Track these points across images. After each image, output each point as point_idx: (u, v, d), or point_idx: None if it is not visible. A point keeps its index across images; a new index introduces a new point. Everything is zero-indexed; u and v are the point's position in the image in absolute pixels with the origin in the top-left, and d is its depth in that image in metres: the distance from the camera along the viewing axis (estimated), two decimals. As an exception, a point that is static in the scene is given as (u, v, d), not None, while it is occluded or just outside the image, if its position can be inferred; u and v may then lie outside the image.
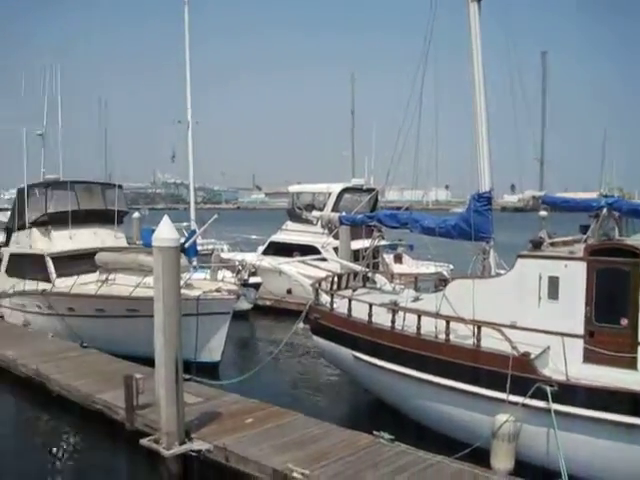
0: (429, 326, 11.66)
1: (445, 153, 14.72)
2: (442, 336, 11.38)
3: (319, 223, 27.21)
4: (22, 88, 30.75)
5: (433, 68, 12.92)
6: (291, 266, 21.28)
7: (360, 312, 13.14)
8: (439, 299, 12.16)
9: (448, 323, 11.33)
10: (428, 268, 26.18)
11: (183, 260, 14.82)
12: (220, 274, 19.48)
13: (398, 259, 29.64)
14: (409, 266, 28.65)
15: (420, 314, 11.87)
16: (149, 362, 12.42)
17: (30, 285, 20.36)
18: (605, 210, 12.92)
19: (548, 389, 9.81)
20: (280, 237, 28.98)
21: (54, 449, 12.52)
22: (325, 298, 14.66)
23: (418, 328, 11.71)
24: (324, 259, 23.07)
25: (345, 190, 28.95)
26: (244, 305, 20.77)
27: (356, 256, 22.99)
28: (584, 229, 13.19)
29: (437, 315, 11.82)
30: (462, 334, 11.38)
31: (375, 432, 10.61)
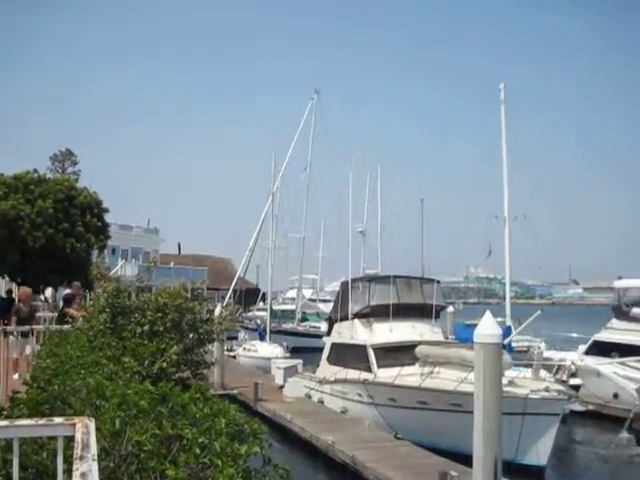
0: None
1: None
2: None
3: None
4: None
5: None
6: (615, 367, 19.65)
7: None
8: None
9: None
10: None
11: (506, 357, 14.48)
12: (541, 373, 18.68)
13: None
14: None
15: None
16: (465, 459, 12.38)
17: (351, 374, 21.20)
18: None
19: None
20: (605, 336, 26.66)
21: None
22: None
23: None
24: None
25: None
26: (576, 407, 19.49)
27: None
28: None
29: None
30: None
31: None
